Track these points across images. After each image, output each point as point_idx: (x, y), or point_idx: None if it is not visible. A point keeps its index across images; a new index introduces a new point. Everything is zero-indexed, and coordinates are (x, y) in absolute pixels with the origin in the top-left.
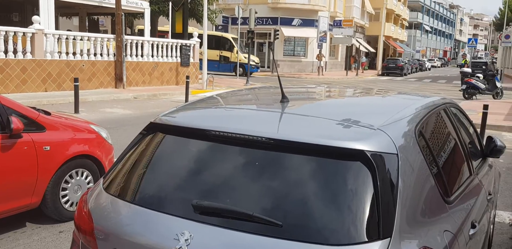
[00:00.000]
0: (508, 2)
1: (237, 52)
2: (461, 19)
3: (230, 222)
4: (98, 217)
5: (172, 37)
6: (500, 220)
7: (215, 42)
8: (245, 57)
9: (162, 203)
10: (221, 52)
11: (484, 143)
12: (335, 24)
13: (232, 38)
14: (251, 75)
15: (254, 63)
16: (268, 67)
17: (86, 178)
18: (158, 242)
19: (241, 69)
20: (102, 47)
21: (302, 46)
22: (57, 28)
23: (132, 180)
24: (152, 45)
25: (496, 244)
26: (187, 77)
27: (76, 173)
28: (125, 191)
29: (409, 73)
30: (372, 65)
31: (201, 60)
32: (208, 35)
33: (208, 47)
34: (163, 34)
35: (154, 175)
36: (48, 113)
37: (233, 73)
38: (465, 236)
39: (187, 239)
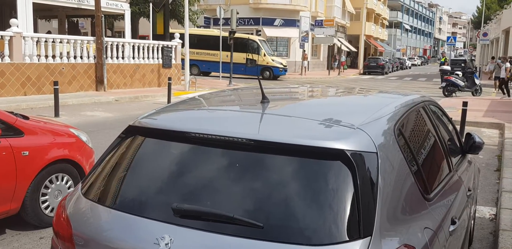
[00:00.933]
0: (485, 0)
1: (264, 55)
2: (440, 18)
3: (211, 225)
4: (76, 223)
5: (153, 39)
6: (480, 215)
7: (241, 45)
8: (273, 60)
9: (142, 207)
10: (248, 55)
11: (463, 139)
12: (317, 24)
13: (259, 40)
14: (279, 79)
15: (282, 66)
16: None
17: (66, 182)
18: (138, 247)
19: (267, 72)
20: (82, 50)
21: (285, 46)
22: (35, 31)
23: (111, 185)
24: (133, 47)
25: (477, 239)
26: (169, 78)
27: (56, 178)
28: (104, 196)
29: (390, 72)
30: (354, 64)
31: (200, 61)
32: (234, 38)
33: (234, 50)
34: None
35: (133, 179)
36: (26, 117)
37: (260, 77)
38: (445, 232)
39: (167, 243)
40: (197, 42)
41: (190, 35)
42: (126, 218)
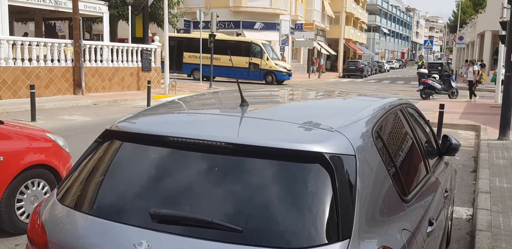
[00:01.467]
0: (461, 5)
1: (267, 59)
2: (417, 22)
3: (189, 230)
4: (52, 230)
5: (132, 42)
6: (457, 216)
7: (244, 49)
8: (276, 64)
9: (119, 213)
10: (251, 59)
11: (440, 141)
12: (297, 27)
13: (263, 44)
14: (284, 84)
15: (286, 70)
16: None
17: (43, 188)
18: None
19: (270, 77)
20: (60, 53)
21: None
22: (11, 33)
23: (87, 190)
24: (112, 50)
25: (454, 240)
26: (149, 82)
27: (32, 183)
28: (80, 202)
29: (369, 75)
30: (333, 68)
31: (190, 64)
32: (236, 41)
33: (237, 54)
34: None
35: (110, 184)
36: (1, 122)
37: (263, 81)
38: (423, 233)
39: None
40: (200, 46)
41: (192, 39)
42: (103, 224)
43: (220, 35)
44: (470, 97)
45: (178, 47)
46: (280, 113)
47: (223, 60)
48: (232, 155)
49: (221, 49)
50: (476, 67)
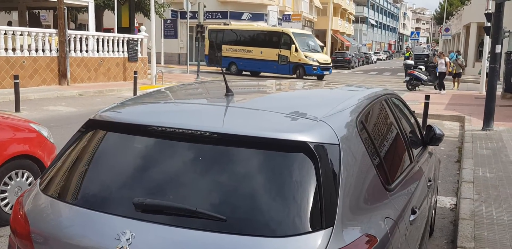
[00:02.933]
0: None
1: (296, 50)
2: (404, 13)
3: (173, 219)
4: (35, 220)
5: (118, 32)
6: (441, 205)
7: (274, 40)
8: (306, 57)
9: (103, 202)
10: (280, 51)
11: (425, 131)
12: (284, 18)
13: (294, 33)
14: (324, 79)
15: (317, 64)
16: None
17: (27, 179)
18: (99, 243)
19: (299, 71)
20: (44, 43)
21: None
22: None
23: (70, 180)
24: (98, 40)
25: (437, 228)
26: (135, 72)
27: (16, 174)
28: (64, 192)
29: (356, 66)
30: None
31: (238, 58)
32: (266, 31)
33: (267, 46)
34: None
35: (94, 174)
36: None
37: (294, 76)
38: (406, 222)
39: (129, 238)
40: (236, 38)
41: (231, 31)
42: (87, 214)
43: (251, 25)
44: (440, 89)
45: (217, 40)
46: (265, 103)
47: (255, 52)
48: (216, 144)
49: (253, 40)
50: (447, 59)
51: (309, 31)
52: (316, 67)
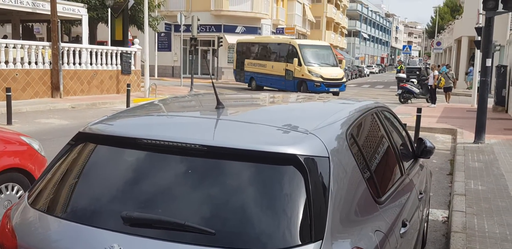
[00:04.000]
0: (439, 11)
1: (299, 64)
2: (397, 27)
3: (162, 233)
4: (22, 234)
5: (111, 45)
6: (433, 218)
7: (282, 52)
8: (310, 72)
9: (92, 216)
10: (287, 65)
11: (416, 144)
12: (278, 31)
13: (301, 45)
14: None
15: (321, 80)
16: (213, 74)
17: (17, 192)
18: None
19: (302, 87)
20: (37, 55)
21: None
22: None
23: (59, 194)
24: (91, 52)
25: (430, 241)
26: (128, 85)
27: (6, 187)
28: (52, 205)
29: (349, 79)
30: None
31: (256, 73)
32: (275, 43)
33: (276, 59)
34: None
35: (83, 188)
36: None
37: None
38: (396, 235)
39: None
40: (256, 51)
41: (255, 44)
42: (75, 228)
43: (273, 38)
44: (433, 103)
45: (243, 53)
46: (256, 115)
47: (268, 67)
48: (206, 157)
49: (266, 53)
50: (436, 72)
51: (325, 42)
52: (319, 84)
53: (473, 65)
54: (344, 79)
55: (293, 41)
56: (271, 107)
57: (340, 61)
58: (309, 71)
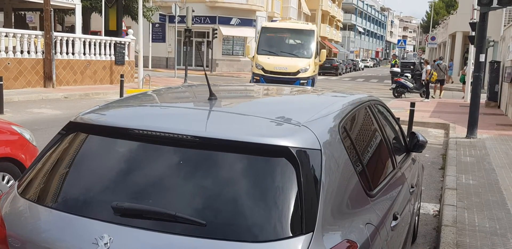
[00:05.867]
0: (434, 6)
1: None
2: (392, 22)
3: (153, 224)
4: (12, 224)
5: (105, 35)
6: (425, 212)
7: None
8: (257, 63)
9: (82, 206)
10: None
11: (408, 138)
12: None
13: (263, 28)
14: None
15: (262, 73)
16: (207, 66)
17: (7, 182)
18: (76, 247)
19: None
20: (30, 45)
21: (241, 45)
22: None
23: (49, 183)
24: (84, 42)
25: (421, 235)
26: (122, 75)
27: None
28: (42, 195)
29: (343, 73)
30: None
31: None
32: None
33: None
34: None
35: (73, 177)
36: None
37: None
38: (387, 227)
39: (107, 243)
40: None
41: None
42: (65, 218)
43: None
44: (427, 97)
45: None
46: (248, 107)
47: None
48: (198, 148)
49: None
50: (428, 67)
51: (308, 25)
52: (258, 78)
53: (466, 59)
54: (305, 74)
55: (264, 23)
56: (264, 99)
57: (318, 53)
58: (256, 63)
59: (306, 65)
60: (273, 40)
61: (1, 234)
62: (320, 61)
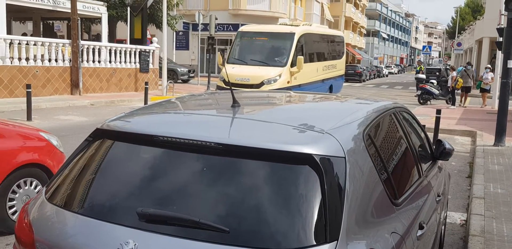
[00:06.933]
0: (460, 11)
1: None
2: (416, 27)
3: (177, 230)
4: (39, 228)
5: (130, 43)
6: (451, 221)
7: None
8: (281, 76)
9: (108, 212)
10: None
11: (434, 146)
12: None
13: (239, 33)
14: None
15: (222, 85)
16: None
17: (35, 187)
18: None
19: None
20: (57, 53)
21: None
22: (9, 33)
23: (76, 189)
24: (110, 50)
25: (447, 244)
26: (146, 83)
27: (25, 182)
28: (69, 201)
29: (367, 80)
30: None
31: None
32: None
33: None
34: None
35: (100, 183)
36: None
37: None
38: (413, 237)
39: (132, 248)
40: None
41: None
42: (91, 223)
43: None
44: (453, 104)
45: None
46: (272, 114)
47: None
48: (221, 155)
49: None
50: (454, 73)
51: (288, 28)
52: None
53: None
54: (271, 86)
55: (243, 27)
56: (287, 106)
57: (289, 63)
58: (221, 73)
59: (275, 75)
60: (248, 46)
61: (29, 238)
62: (297, 70)
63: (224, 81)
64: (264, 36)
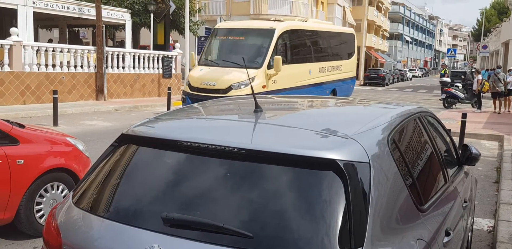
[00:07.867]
0: (485, 13)
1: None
2: (441, 30)
3: (201, 235)
4: (66, 232)
5: (153, 49)
6: (478, 227)
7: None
8: (255, 79)
9: (133, 216)
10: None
11: (460, 151)
12: None
13: (215, 30)
14: None
15: (188, 90)
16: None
17: (62, 191)
18: None
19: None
20: (83, 59)
21: None
22: (36, 40)
23: (102, 193)
24: (134, 56)
25: None
26: (169, 88)
27: (52, 186)
28: (95, 205)
29: (390, 83)
30: None
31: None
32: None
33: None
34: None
35: (125, 188)
36: (22, 126)
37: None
38: (439, 244)
39: None
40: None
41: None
42: (117, 228)
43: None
44: (479, 108)
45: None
46: (294, 119)
47: None
48: (244, 161)
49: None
50: (480, 77)
51: (266, 24)
52: (184, 97)
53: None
54: (240, 91)
55: (220, 23)
56: (310, 111)
57: (265, 65)
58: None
59: (246, 78)
60: (222, 46)
61: (57, 242)
62: (275, 72)
63: (189, 85)
64: (240, 34)
